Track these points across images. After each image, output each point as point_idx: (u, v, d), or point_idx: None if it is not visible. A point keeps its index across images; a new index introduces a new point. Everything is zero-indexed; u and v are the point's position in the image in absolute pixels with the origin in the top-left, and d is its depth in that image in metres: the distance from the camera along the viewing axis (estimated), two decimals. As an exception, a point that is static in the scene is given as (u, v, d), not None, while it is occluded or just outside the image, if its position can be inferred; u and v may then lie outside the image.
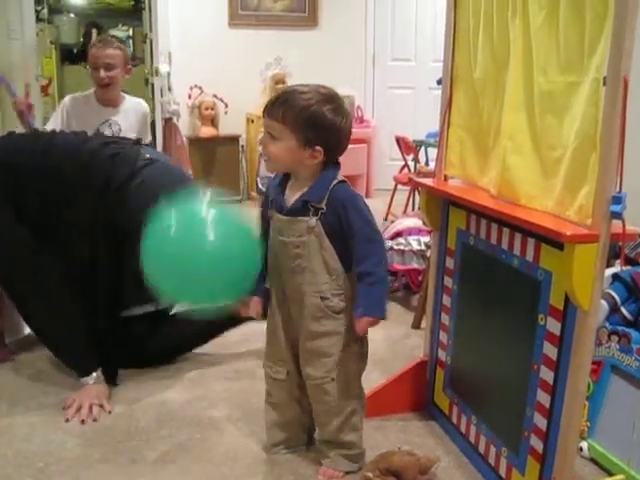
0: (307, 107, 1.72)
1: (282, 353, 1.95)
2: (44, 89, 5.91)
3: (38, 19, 6.80)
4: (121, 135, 3.42)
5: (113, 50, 3.45)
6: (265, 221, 1.94)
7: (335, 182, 1.80)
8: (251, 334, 2.96)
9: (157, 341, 2.73)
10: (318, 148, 1.75)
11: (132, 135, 3.42)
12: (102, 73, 3.39)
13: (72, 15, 9.03)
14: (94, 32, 9.09)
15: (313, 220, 1.79)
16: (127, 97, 3.65)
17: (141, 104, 3.72)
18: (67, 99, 3.59)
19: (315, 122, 1.73)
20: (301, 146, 1.75)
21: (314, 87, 1.78)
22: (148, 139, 3.78)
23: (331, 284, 1.82)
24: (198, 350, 2.84)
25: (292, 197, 1.83)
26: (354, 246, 1.78)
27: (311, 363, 1.88)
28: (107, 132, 3.46)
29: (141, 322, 2.68)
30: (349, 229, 1.77)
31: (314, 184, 1.81)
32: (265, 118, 1.78)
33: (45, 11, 8.04)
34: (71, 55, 8.96)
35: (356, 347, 1.90)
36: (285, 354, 1.95)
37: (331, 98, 1.77)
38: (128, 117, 3.56)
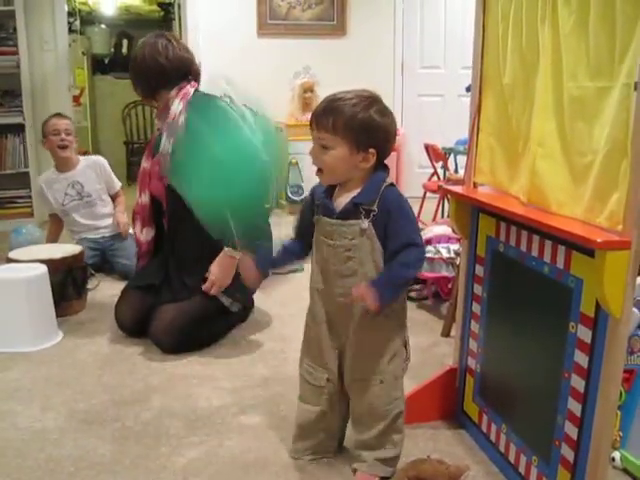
0: (356, 113, 1.75)
1: (325, 359, 1.95)
2: (76, 99, 6.00)
3: (70, 30, 6.94)
4: (85, 190, 4.18)
5: (69, 120, 4.28)
6: (304, 220, 1.97)
7: (386, 184, 1.81)
8: (285, 343, 2.97)
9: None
10: (371, 150, 1.78)
11: (96, 187, 4.22)
12: (63, 135, 4.14)
13: (103, 26, 9.18)
14: (125, 42, 9.24)
15: (366, 222, 1.79)
16: (82, 158, 4.34)
17: (96, 160, 4.36)
18: (40, 181, 4.33)
19: (365, 126, 1.75)
20: (354, 152, 1.77)
21: (356, 92, 1.80)
22: (118, 185, 4.41)
23: None
24: (228, 358, 2.87)
25: (341, 200, 1.84)
26: (392, 247, 1.78)
27: (360, 366, 1.88)
28: (72, 192, 4.18)
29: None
30: (391, 229, 1.78)
31: (365, 186, 1.81)
32: (314, 130, 1.80)
33: (77, 22, 8.20)
34: (102, 65, 9.09)
35: (402, 349, 1.91)
36: (328, 360, 1.94)
37: (375, 100, 1.80)
38: (86, 173, 4.22)
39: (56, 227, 4.34)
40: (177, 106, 2.96)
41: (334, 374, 1.95)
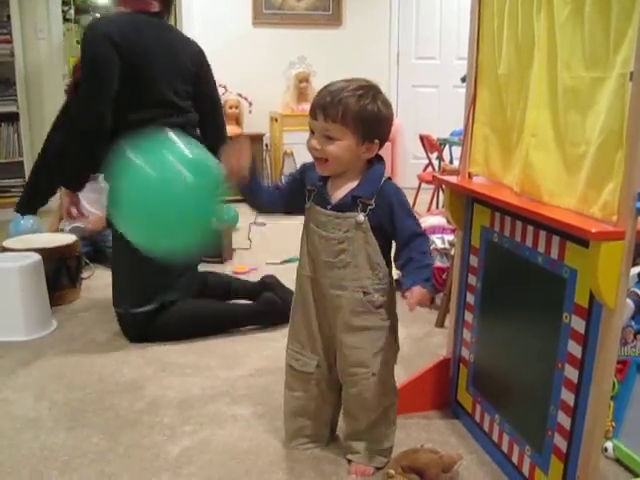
0: (365, 105, 1.72)
1: (313, 345, 1.94)
2: (70, 88, 5.97)
3: (65, 19, 6.91)
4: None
5: None
6: (290, 190, 1.94)
7: (384, 178, 1.81)
8: (279, 332, 2.97)
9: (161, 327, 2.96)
10: (376, 141, 1.77)
11: None
12: None
13: (98, 15, 9.11)
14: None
15: (361, 216, 1.78)
16: None
17: None
18: None
19: (374, 118, 1.74)
20: (359, 143, 1.75)
21: (357, 82, 1.76)
22: None
23: (373, 279, 1.81)
24: (222, 348, 2.87)
25: (338, 192, 1.82)
26: (400, 240, 1.79)
27: (351, 358, 1.87)
28: None
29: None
30: (396, 224, 1.78)
31: (364, 179, 1.80)
32: (317, 120, 1.75)
33: (71, 11, 8.16)
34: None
35: (392, 340, 1.90)
36: (317, 347, 1.94)
37: (379, 91, 1.78)
38: None
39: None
40: None
41: (323, 360, 1.95)
